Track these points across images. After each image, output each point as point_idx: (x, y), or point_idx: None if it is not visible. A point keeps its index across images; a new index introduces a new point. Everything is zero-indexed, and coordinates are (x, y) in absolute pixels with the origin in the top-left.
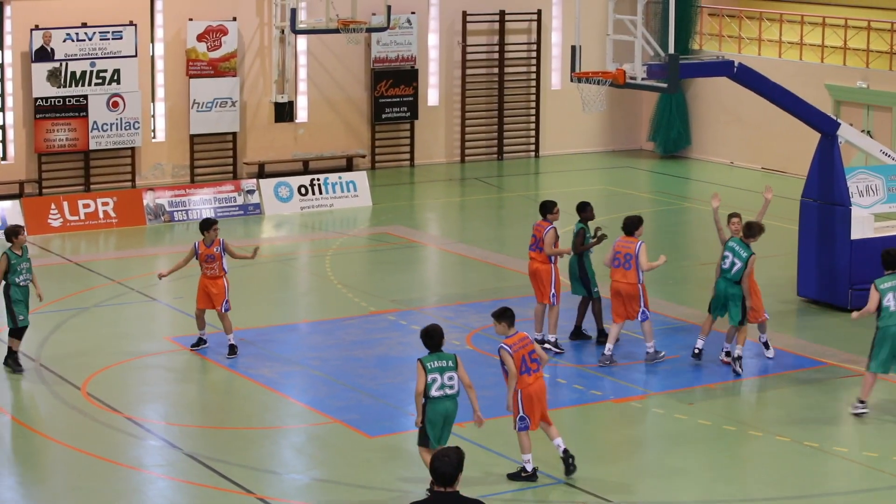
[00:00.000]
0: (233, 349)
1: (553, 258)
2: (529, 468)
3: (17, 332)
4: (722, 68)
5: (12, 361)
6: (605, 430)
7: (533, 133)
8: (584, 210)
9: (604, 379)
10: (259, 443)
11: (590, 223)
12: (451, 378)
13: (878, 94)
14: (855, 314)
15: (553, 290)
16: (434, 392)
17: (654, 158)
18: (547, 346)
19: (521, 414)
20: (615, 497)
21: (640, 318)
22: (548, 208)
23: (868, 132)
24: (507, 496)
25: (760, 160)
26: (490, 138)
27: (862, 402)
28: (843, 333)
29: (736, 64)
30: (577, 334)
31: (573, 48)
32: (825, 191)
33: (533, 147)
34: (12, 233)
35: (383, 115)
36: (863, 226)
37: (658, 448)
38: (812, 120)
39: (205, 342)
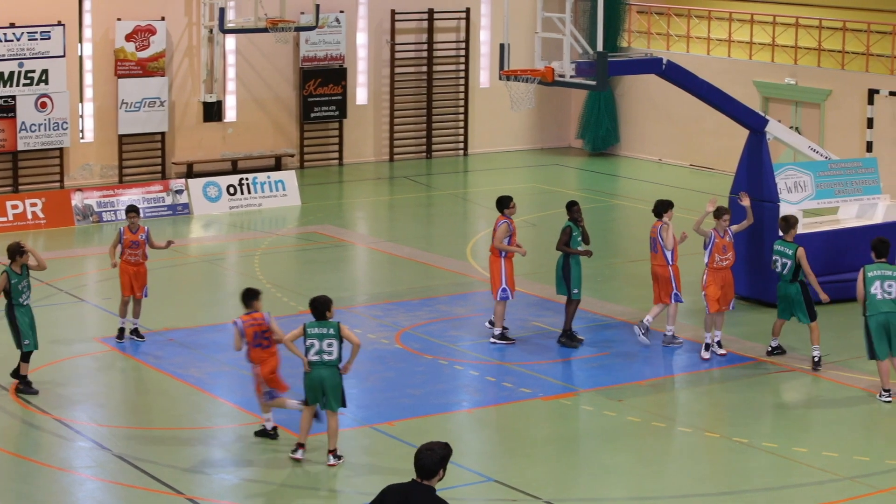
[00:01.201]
0: (138, 332)
1: (504, 253)
2: (269, 426)
3: (25, 356)
4: (650, 65)
5: (23, 385)
6: (534, 427)
7: (462, 131)
8: (571, 209)
9: (532, 376)
10: (188, 443)
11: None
12: (329, 345)
13: (806, 91)
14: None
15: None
16: (311, 356)
17: (583, 156)
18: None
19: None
20: (546, 495)
21: (671, 300)
22: (503, 203)
23: (796, 128)
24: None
25: (689, 157)
26: (419, 137)
27: (886, 390)
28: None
29: (664, 61)
30: (568, 336)
31: (502, 46)
32: (754, 187)
33: (462, 145)
34: (16, 251)
35: (312, 115)
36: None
37: (588, 445)
38: (740, 117)
39: (132, 334)
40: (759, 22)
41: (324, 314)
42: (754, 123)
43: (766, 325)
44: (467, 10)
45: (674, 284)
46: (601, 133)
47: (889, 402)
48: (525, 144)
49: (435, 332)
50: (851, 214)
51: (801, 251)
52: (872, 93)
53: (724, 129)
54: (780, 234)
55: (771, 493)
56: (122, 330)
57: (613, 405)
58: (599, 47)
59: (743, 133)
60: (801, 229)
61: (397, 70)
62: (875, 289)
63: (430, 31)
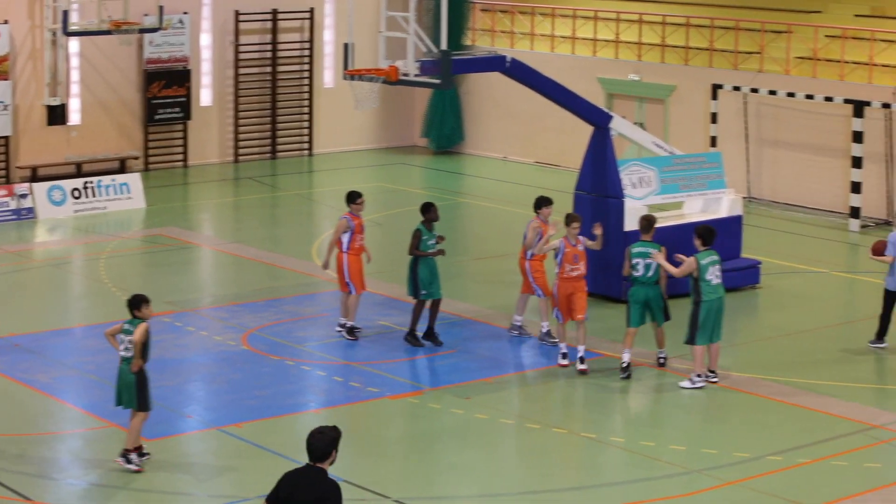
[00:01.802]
0: None
1: (346, 247)
2: None
3: None
4: (494, 63)
5: None
6: (382, 426)
7: (306, 131)
8: (428, 211)
9: (379, 376)
10: (36, 448)
11: (435, 224)
12: (130, 342)
13: (650, 87)
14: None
15: (349, 280)
16: (121, 352)
17: (428, 154)
18: (338, 329)
19: None
20: (395, 494)
21: (535, 294)
22: (350, 198)
23: (641, 124)
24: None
25: (534, 154)
26: (263, 137)
27: (700, 375)
28: (619, 324)
29: (508, 59)
30: (429, 335)
31: (346, 46)
32: (598, 183)
33: (306, 145)
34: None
35: (156, 117)
36: (636, 217)
37: (436, 443)
38: (584, 113)
39: None
40: (603, 19)
41: (132, 312)
42: (598, 120)
43: (612, 320)
44: (311, 11)
45: (531, 278)
46: (446, 131)
47: (702, 386)
48: (370, 144)
49: (281, 332)
50: (696, 209)
51: (664, 250)
52: (716, 88)
53: (568, 125)
54: (641, 234)
55: (620, 488)
56: None
57: (461, 403)
58: (443, 46)
59: (587, 129)
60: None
61: (241, 71)
62: (710, 275)
63: (275, 31)
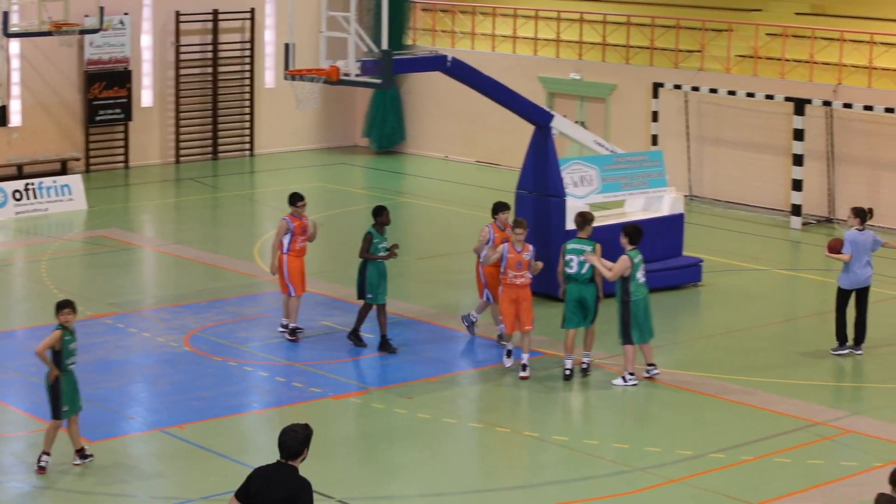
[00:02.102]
0: None
1: (287, 249)
2: None
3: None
4: (435, 63)
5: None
6: (325, 426)
7: (248, 132)
8: (380, 215)
9: (322, 376)
10: None
11: (386, 228)
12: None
13: (591, 86)
14: (608, 274)
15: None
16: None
17: (369, 154)
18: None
19: None
20: (338, 494)
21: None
22: (292, 200)
23: (582, 123)
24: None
25: (475, 153)
26: (205, 138)
27: (633, 374)
28: (560, 323)
29: (449, 58)
30: (383, 345)
31: (287, 46)
32: (540, 182)
33: (248, 146)
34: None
35: (97, 118)
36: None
37: (379, 443)
38: (526, 112)
39: None
40: (544, 18)
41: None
42: (539, 119)
43: (555, 319)
44: (252, 11)
45: (483, 282)
46: (387, 131)
47: (636, 384)
48: (311, 144)
49: (224, 333)
50: (638, 207)
51: (599, 248)
52: (657, 86)
53: (509, 124)
54: (577, 231)
55: (563, 486)
56: None
57: (404, 403)
58: (384, 45)
59: (529, 128)
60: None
61: (182, 71)
62: (639, 274)
63: (215, 31)
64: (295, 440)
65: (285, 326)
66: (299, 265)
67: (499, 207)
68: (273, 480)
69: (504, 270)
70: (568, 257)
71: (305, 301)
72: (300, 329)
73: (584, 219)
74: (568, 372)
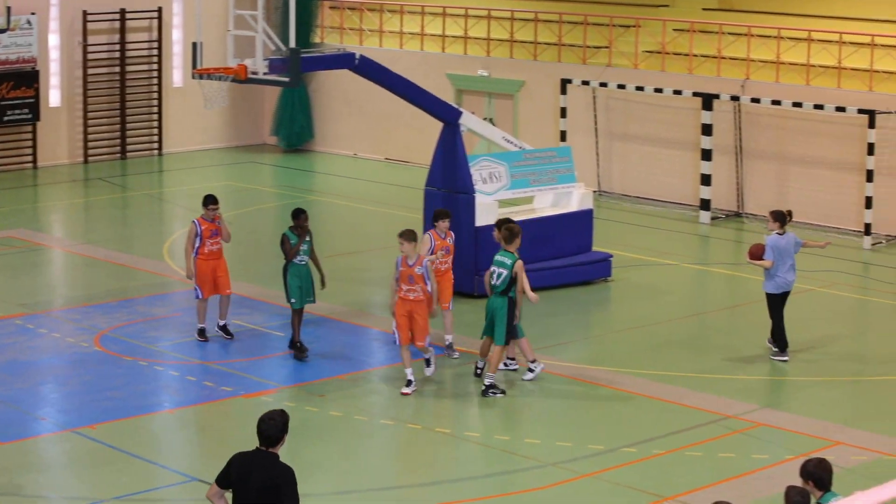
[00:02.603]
0: None
1: (196, 252)
2: None
3: None
4: (343, 61)
5: None
6: (236, 426)
7: (156, 131)
8: (296, 217)
9: (233, 375)
10: None
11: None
12: None
13: (499, 82)
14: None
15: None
16: None
17: (278, 153)
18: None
19: None
20: None
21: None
22: (203, 203)
23: (490, 120)
24: (135, 496)
25: (384, 151)
26: (113, 138)
27: (534, 360)
28: (471, 319)
29: (357, 56)
30: (291, 345)
31: (194, 45)
32: (448, 179)
33: (156, 145)
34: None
35: (4, 118)
36: (487, 213)
37: (291, 441)
38: (434, 109)
39: None
40: (452, 15)
41: None
42: (448, 116)
43: (465, 315)
44: (159, 10)
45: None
46: (295, 129)
47: (543, 368)
48: (220, 142)
49: (134, 333)
50: (547, 203)
51: (519, 264)
52: (565, 82)
53: (418, 122)
54: (503, 244)
55: (475, 482)
56: None
57: (315, 401)
58: (292, 44)
59: (437, 125)
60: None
61: (90, 71)
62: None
63: (123, 31)
64: (274, 427)
65: (222, 328)
66: (207, 268)
67: (439, 215)
68: (254, 468)
69: (398, 283)
70: (492, 268)
71: (216, 300)
72: (224, 330)
73: (511, 233)
74: (479, 371)
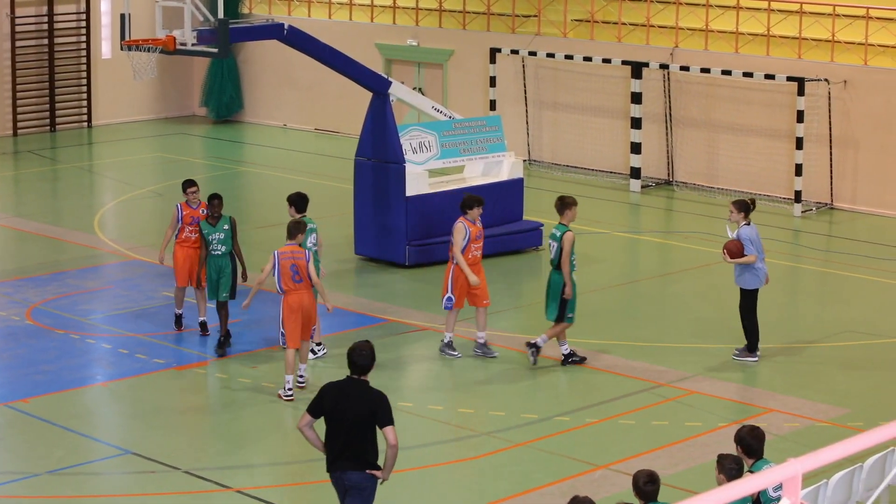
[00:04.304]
0: None
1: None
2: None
3: None
4: (272, 31)
5: None
6: (170, 397)
7: (85, 103)
8: (209, 204)
9: (165, 347)
10: None
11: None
12: None
13: (429, 52)
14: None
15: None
16: None
17: (208, 124)
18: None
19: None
20: (184, 465)
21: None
22: (182, 187)
23: (420, 89)
24: (70, 470)
25: (313, 121)
26: (42, 110)
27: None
28: (402, 289)
29: (286, 26)
30: (219, 343)
31: (122, 16)
32: (379, 149)
33: (86, 117)
34: None
35: None
36: (417, 182)
37: (224, 413)
38: (363, 79)
39: None
40: None
41: None
42: (377, 86)
43: (395, 285)
44: None
45: (449, 286)
46: (224, 100)
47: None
48: (149, 114)
49: (66, 306)
50: (477, 172)
51: (567, 236)
52: (494, 52)
53: (347, 92)
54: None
55: (408, 452)
56: None
57: (248, 372)
58: (220, 14)
59: (367, 96)
60: (427, 189)
61: (18, 43)
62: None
63: (51, 2)
64: (364, 357)
65: (201, 324)
66: (183, 256)
67: (474, 202)
68: (349, 395)
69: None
70: (551, 242)
71: (148, 272)
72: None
73: (562, 203)
74: (533, 348)
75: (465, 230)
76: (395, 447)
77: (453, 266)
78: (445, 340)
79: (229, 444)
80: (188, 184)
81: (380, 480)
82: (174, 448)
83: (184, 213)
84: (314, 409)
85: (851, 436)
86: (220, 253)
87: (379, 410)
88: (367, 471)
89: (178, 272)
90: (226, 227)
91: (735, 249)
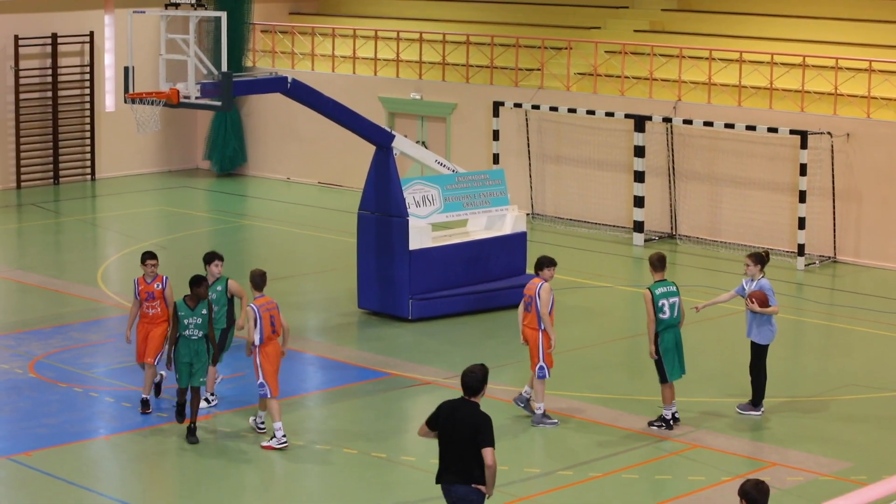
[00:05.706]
0: None
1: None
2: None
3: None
4: (275, 84)
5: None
6: (172, 452)
7: (89, 156)
8: (197, 285)
9: (168, 401)
10: None
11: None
12: None
13: (432, 105)
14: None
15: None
16: None
17: (211, 177)
18: None
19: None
20: None
21: (535, 373)
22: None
23: (423, 143)
24: None
25: (317, 175)
26: (45, 163)
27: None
28: (405, 343)
29: (289, 80)
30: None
31: (126, 69)
32: (382, 202)
33: (89, 170)
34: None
35: None
36: (421, 236)
37: (227, 465)
38: (366, 133)
39: None
40: (384, 38)
41: None
42: (380, 139)
43: (398, 339)
44: (91, 34)
45: (540, 355)
46: (228, 153)
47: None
48: (153, 167)
49: (69, 359)
50: (480, 226)
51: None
52: (497, 105)
53: (350, 145)
54: (654, 273)
55: None
56: None
57: (249, 425)
58: (224, 67)
59: (370, 149)
60: (431, 243)
61: (22, 96)
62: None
63: (54, 55)
64: (474, 380)
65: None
66: (143, 332)
67: (549, 262)
68: (459, 412)
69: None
70: (660, 303)
71: None
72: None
73: (660, 260)
74: (670, 416)
75: (551, 292)
76: (492, 468)
77: (541, 332)
78: (541, 411)
79: (231, 497)
80: (147, 256)
81: (487, 495)
82: (177, 502)
83: (139, 287)
84: (430, 422)
85: (855, 489)
86: (196, 338)
87: (480, 431)
88: (473, 485)
89: (139, 349)
90: (204, 311)
91: (762, 299)
